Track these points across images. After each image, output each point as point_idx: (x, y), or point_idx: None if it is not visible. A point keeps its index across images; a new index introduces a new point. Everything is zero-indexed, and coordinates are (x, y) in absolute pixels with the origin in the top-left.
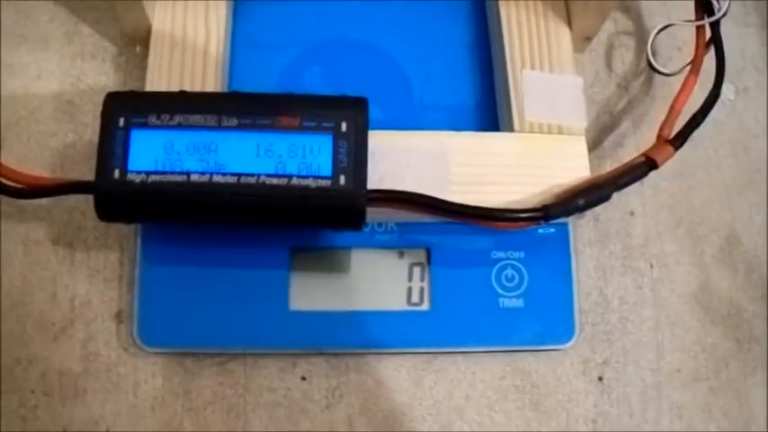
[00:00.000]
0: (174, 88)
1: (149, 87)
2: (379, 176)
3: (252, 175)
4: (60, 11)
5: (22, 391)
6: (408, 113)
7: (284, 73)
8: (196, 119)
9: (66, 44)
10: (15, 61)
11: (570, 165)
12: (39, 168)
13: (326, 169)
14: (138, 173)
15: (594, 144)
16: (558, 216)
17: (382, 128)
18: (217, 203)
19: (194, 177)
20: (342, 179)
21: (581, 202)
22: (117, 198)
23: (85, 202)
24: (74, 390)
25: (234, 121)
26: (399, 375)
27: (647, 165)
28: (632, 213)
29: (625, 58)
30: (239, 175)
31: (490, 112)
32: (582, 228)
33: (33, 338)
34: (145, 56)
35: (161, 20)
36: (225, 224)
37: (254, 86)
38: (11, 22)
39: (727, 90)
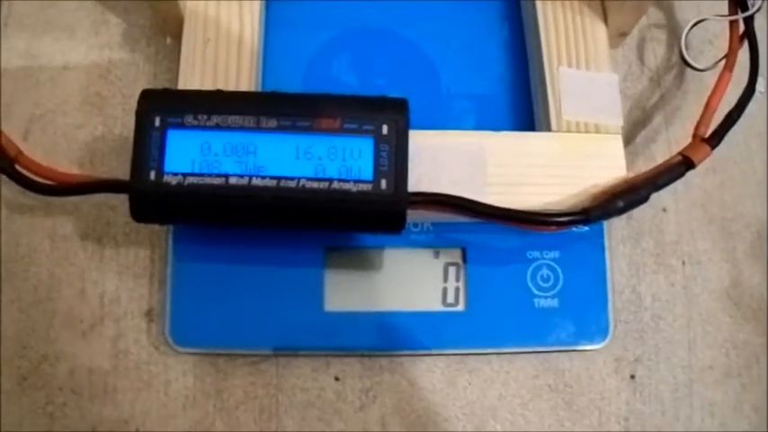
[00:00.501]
0: (208, 84)
1: (182, 83)
2: (416, 178)
3: (292, 178)
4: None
5: (49, 387)
6: (441, 112)
7: (317, 67)
8: (234, 119)
9: (94, 34)
10: (41, 51)
11: (607, 164)
12: (66, 162)
13: (367, 173)
14: (175, 174)
15: (627, 140)
16: (598, 219)
17: (415, 127)
18: (256, 207)
19: (233, 180)
20: (383, 183)
21: (620, 204)
22: (153, 200)
23: (115, 197)
24: (103, 388)
25: (273, 123)
26: (433, 376)
27: (684, 165)
28: (665, 210)
29: (657, 51)
30: (279, 178)
31: (524, 110)
32: (615, 225)
33: (61, 335)
34: (175, 48)
35: (193, 13)
36: (263, 227)
37: (287, 80)
38: (36, 10)
39: (757, 83)
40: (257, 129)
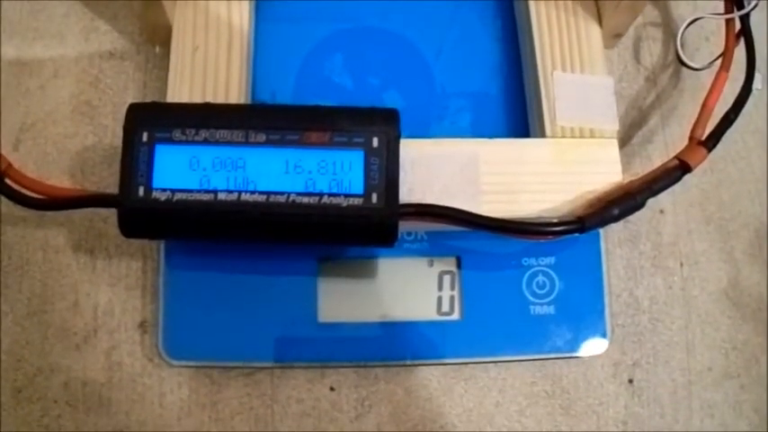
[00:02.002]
0: (197, 93)
1: (171, 93)
2: (409, 187)
3: (281, 193)
4: (76, 5)
5: (44, 400)
6: (435, 116)
7: (309, 67)
8: (222, 134)
9: (84, 41)
10: (31, 58)
11: (602, 170)
12: (57, 172)
13: (358, 187)
14: (164, 190)
15: (624, 141)
16: (593, 227)
17: (408, 131)
18: (245, 222)
19: (221, 196)
20: (374, 197)
21: (616, 211)
22: (141, 216)
23: (107, 208)
24: (98, 400)
25: (262, 137)
26: (429, 384)
27: (680, 169)
28: (662, 212)
29: (653, 50)
30: (268, 193)
31: (518, 115)
32: (612, 228)
33: (55, 347)
34: (164, 56)
35: (181, 20)
36: (253, 242)
37: (279, 81)
38: (26, 17)
39: (755, 80)
40: (246, 143)
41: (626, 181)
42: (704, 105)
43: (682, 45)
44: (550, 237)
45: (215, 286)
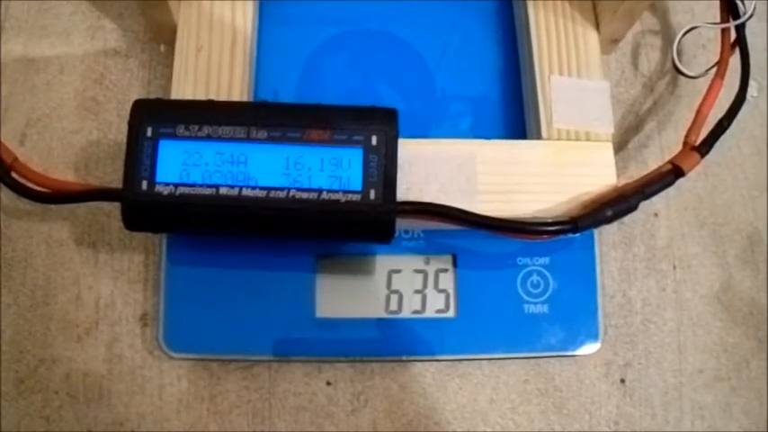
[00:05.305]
0: (201, 92)
1: (175, 91)
2: (406, 186)
3: (281, 188)
4: (83, 4)
5: (46, 391)
6: (433, 118)
7: (311, 68)
8: (225, 130)
9: (90, 39)
10: (38, 55)
11: (597, 172)
12: (62, 166)
13: (356, 183)
14: (167, 185)
15: (620, 146)
16: (586, 228)
17: (407, 132)
18: (246, 217)
19: (223, 190)
20: (372, 193)
21: (609, 213)
22: (144, 210)
23: (110, 202)
24: (98, 391)
25: (263, 134)
26: (424, 380)
27: (673, 173)
28: (656, 215)
29: (650, 56)
30: (269, 188)
31: (516, 117)
32: (606, 230)
33: (57, 339)
34: (169, 54)
35: (186, 20)
36: (253, 236)
37: (281, 81)
38: (33, 15)
39: (750, 87)
40: (248, 139)
41: (620, 184)
42: (698, 112)
43: (678, 53)
44: (544, 236)
45: (215, 281)
